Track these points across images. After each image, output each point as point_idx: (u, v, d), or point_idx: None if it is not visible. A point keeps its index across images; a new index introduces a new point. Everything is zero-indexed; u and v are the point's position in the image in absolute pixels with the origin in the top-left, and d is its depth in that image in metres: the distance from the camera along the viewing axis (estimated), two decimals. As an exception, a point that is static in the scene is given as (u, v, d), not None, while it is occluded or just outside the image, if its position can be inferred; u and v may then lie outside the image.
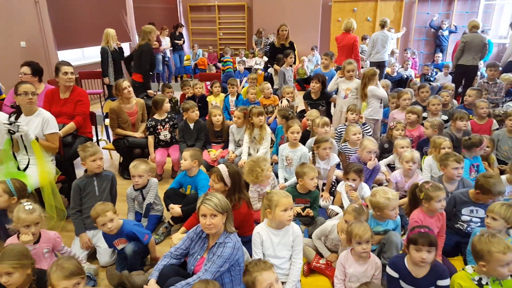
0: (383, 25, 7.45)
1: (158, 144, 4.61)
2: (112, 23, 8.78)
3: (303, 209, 3.33)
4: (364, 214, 2.63)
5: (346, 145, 4.21)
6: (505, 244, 2.03)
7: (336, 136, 4.74)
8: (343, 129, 4.51)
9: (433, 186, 2.71)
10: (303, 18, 11.17)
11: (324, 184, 3.94)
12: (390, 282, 2.36)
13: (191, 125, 4.54)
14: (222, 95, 6.34)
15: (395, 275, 2.31)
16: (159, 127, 4.55)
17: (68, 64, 3.97)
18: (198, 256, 2.38)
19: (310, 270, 2.85)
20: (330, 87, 5.42)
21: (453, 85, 6.55)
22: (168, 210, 3.35)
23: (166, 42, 10.53)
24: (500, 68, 6.53)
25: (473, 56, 6.63)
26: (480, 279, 2.13)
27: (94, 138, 4.46)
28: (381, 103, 5.07)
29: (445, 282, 2.22)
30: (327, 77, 5.69)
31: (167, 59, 10.59)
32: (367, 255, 2.43)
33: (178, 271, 2.38)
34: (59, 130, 3.60)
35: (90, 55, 9.07)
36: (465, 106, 5.24)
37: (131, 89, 4.55)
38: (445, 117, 4.94)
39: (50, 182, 3.27)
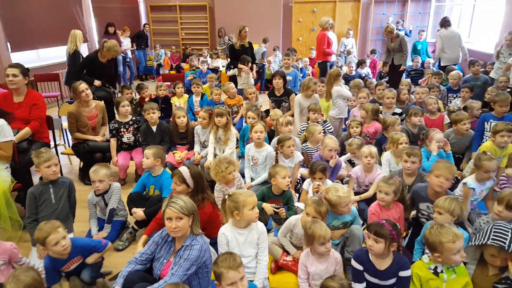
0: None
1: (121, 147, 4.51)
2: (69, 23, 8.48)
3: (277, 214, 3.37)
4: (323, 206, 2.66)
5: (307, 145, 4.30)
6: (453, 233, 2.15)
7: (299, 135, 4.83)
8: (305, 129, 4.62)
9: (384, 179, 2.91)
10: (264, 18, 11.27)
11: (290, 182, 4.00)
12: (354, 275, 2.40)
13: (154, 128, 4.47)
14: (186, 96, 6.28)
15: (360, 267, 2.36)
16: (122, 129, 4.45)
17: (11, 65, 3.78)
18: (165, 260, 2.35)
19: (277, 267, 2.89)
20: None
21: (409, 80, 6.89)
22: (131, 214, 3.29)
23: (127, 42, 10.29)
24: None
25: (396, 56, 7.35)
26: (436, 267, 2.25)
27: (52, 143, 4.30)
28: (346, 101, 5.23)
29: (407, 273, 2.30)
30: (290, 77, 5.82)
31: (128, 59, 10.35)
32: (329, 253, 2.48)
33: (144, 277, 2.34)
34: (14, 135, 3.44)
35: (46, 56, 8.69)
36: (416, 103, 5.49)
37: (89, 91, 4.42)
38: (399, 110, 5.17)
39: (4, 193, 3.13)
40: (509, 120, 4.24)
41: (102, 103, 4.72)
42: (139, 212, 3.17)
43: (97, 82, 5.45)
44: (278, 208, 3.32)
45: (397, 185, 2.88)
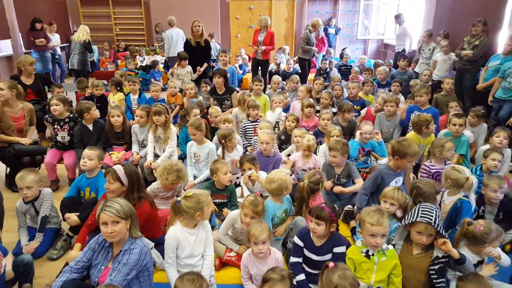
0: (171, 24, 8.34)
1: (54, 145, 4.28)
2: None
3: (221, 206, 3.41)
4: (260, 205, 2.72)
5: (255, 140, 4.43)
6: (378, 218, 2.29)
7: (240, 131, 4.89)
8: (247, 125, 4.77)
9: (318, 173, 3.12)
10: (202, 15, 11.06)
11: (237, 178, 4.06)
12: (294, 250, 2.57)
13: (90, 126, 4.25)
14: (121, 94, 6.06)
15: (301, 243, 2.53)
16: (56, 126, 4.19)
17: None
18: (102, 267, 2.25)
19: (222, 263, 2.92)
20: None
21: (339, 76, 7.54)
22: (65, 220, 3.11)
23: (55, 38, 9.63)
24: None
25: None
26: (367, 250, 2.40)
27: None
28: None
29: (341, 249, 2.47)
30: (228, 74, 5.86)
31: (57, 56, 9.70)
32: (264, 256, 2.50)
33: (80, 286, 2.25)
34: None
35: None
36: (349, 98, 5.81)
37: (3, 92, 4.09)
38: (335, 110, 5.42)
39: None
40: (432, 112, 4.65)
41: (30, 105, 4.42)
42: (73, 217, 3.01)
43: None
44: (223, 203, 3.36)
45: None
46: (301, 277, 2.50)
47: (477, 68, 5.84)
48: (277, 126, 5.18)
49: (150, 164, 4.02)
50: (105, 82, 6.82)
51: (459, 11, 7.13)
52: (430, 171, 3.65)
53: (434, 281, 2.33)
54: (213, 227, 3.36)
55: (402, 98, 5.62)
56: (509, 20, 5.74)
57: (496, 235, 2.36)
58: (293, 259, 2.56)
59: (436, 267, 2.35)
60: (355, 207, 3.44)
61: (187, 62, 6.71)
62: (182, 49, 7.75)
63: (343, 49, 10.65)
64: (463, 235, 2.48)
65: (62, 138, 4.25)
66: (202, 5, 11.23)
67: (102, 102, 5.69)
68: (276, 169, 3.24)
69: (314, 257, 2.51)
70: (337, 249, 2.48)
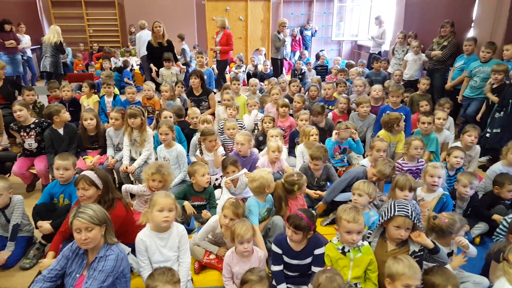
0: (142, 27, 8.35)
1: (23, 153, 4.14)
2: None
3: (200, 208, 3.39)
4: (240, 208, 2.74)
5: (225, 138, 4.45)
6: (354, 215, 2.35)
7: (219, 131, 4.89)
8: (223, 125, 4.72)
9: (298, 174, 3.12)
10: (177, 16, 11.08)
11: (216, 179, 4.06)
12: (274, 258, 2.57)
13: (60, 131, 4.14)
14: (96, 96, 5.94)
15: (279, 251, 2.53)
16: (22, 133, 4.06)
17: None
18: (77, 275, 2.20)
19: (201, 266, 2.90)
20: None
21: (319, 77, 7.58)
22: (38, 228, 3.02)
23: (25, 40, 9.33)
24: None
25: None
26: (343, 247, 2.45)
27: None
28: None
29: (321, 250, 2.51)
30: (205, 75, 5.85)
31: (26, 58, 9.39)
32: (249, 254, 2.53)
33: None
34: None
35: None
36: (325, 98, 5.90)
37: None
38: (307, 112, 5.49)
39: None
40: (403, 111, 4.79)
41: None
42: (45, 225, 2.92)
43: None
44: (202, 205, 3.35)
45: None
46: (283, 286, 2.52)
47: (446, 68, 6.04)
48: (256, 127, 5.21)
49: (126, 168, 3.95)
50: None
51: (427, 12, 7.36)
52: (403, 168, 3.76)
53: None
54: (192, 230, 3.36)
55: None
56: (474, 22, 5.97)
57: (461, 224, 2.48)
58: (274, 268, 2.56)
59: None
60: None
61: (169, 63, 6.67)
62: None
63: (321, 51, 10.80)
64: (430, 229, 2.58)
65: (29, 145, 4.12)
66: (177, 6, 11.15)
67: (75, 106, 5.56)
68: (258, 169, 3.24)
69: (295, 262, 2.53)
70: (317, 251, 2.51)
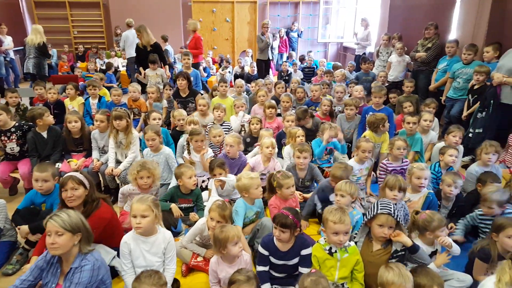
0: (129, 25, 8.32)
1: (5, 157, 4.05)
2: None
3: (187, 210, 3.37)
4: (227, 209, 2.73)
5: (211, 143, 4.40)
6: (340, 216, 2.37)
7: (206, 133, 4.87)
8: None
9: (283, 174, 3.10)
10: (163, 17, 11.03)
11: (203, 181, 4.04)
12: (260, 259, 2.58)
13: (44, 134, 4.08)
14: (81, 99, 5.86)
15: (266, 253, 2.54)
16: (3, 138, 3.97)
17: None
18: (53, 285, 2.13)
19: (188, 269, 2.88)
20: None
21: (298, 78, 7.75)
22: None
23: (7, 41, 9.16)
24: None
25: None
26: (330, 248, 2.46)
27: None
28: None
29: (308, 251, 2.52)
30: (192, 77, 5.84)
31: (8, 59, 9.21)
32: (241, 252, 2.51)
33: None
34: None
35: None
36: (312, 100, 5.94)
37: None
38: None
39: None
40: (386, 112, 4.86)
41: None
42: (24, 228, 2.85)
43: None
44: (189, 208, 3.33)
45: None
46: (267, 286, 2.53)
47: (430, 69, 6.15)
48: (243, 129, 5.21)
49: (112, 170, 3.91)
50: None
51: (411, 15, 7.48)
52: (387, 168, 3.81)
53: None
54: (179, 233, 3.33)
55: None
56: (456, 24, 6.10)
57: (438, 224, 2.52)
58: (259, 268, 2.58)
59: (394, 260, 2.44)
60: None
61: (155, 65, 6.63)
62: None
63: (309, 52, 10.86)
64: (412, 224, 2.66)
65: (11, 150, 4.04)
66: (163, 8, 11.09)
67: (59, 108, 5.49)
68: (246, 172, 3.24)
69: (282, 262, 2.54)
70: (304, 251, 2.52)
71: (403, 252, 2.45)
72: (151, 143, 3.86)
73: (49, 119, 4.10)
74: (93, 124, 5.17)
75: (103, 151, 4.22)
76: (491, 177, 3.30)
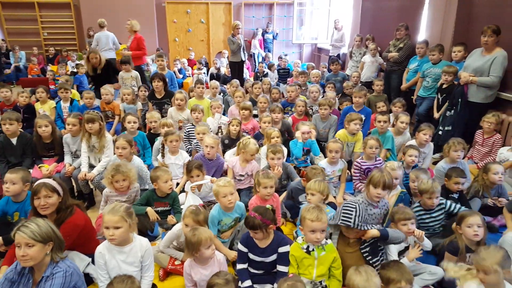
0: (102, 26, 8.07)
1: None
2: None
3: (164, 214, 3.33)
4: (201, 214, 2.71)
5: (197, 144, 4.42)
6: (317, 215, 2.39)
7: (184, 136, 4.84)
8: (190, 129, 4.73)
9: (264, 173, 3.11)
10: (137, 18, 10.64)
11: (177, 184, 4.00)
12: (239, 257, 2.61)
13: (13, 140, 3.94)
14: (52, 102, 5.70)
15: (245, 249, 2.57)
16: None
17: None
18: None
19: (166, 273, 2.86)
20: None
21: (268, 79, 7.70)
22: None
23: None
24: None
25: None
26: (308, 246, 2.49)
27: None
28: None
29: (285, 248, 2.55)
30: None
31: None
32: (214, 254, 2.51)
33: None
34: None
35: None
36: (288, 101, 5.99)
37: None
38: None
39: None
40: (365, 112, 4.96)
41: None
42: None
43: None
44: (166, 211, 3.29)
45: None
46: (247, 283, 2.53)
47: (402, 69, 6.31)
48: (220, 130, 5.20)
49: (85, 175, 3.82)
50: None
51: (382, 16, 7.67)
52: (361, 167, 3.89)
53: (370, 261, 2.48)
54: (156, 237, 3.30)
55: (331, 94, 5.97)
56: (425, 25, 6.29)
57: (403, 216, 2.65)
58: (238, 266, 2.60)
59: (367, 248, 2.50)
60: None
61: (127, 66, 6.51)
62: (112, 53, 7.65)
63: (285, 55, 10.96)
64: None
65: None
66: (137, 8, 10.91)
67: (29, 113, 5.33)
68: (223, 177, 3.15)
69: (260, 259, 2.56)
70: (281, 249, 2.54)
71: (372, 242, 2.52)
72: (121, 151, 3.69)
73: (12, 128, 3.89)
74: (65, 128, 5.05)
75: (75, 155, 4.11)
76: (456, 172, 3.41)
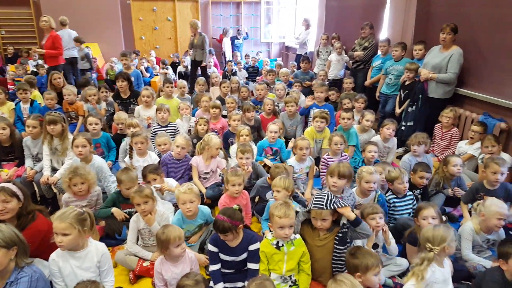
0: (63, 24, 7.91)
1: None
2: None
3: (131, 215, 3.19)
4: (147, 189, 2.74)
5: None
6: (285, 211, 2.43)
7: (151, 135, 4.76)
8: (157, 129, 4.72)
9: (233, 171, 3.14)
10: (101, 16, 10.55)
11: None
12: (211, 257, 2.62)
13: (-32, 144, 3.75)
14: (11, 103, 5.45)
15: (215, 249, 2.59)
16: None
17: None
18: None
19: (136, 276, 2.81)
20: None
21: (236, 77, 7.72)
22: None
23: None
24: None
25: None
26: (278, 242, 2.53)
27: None
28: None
29: (255, 246, 2.58)
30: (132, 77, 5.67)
31: None
32: (184, 253, 2.49)
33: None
34: None
35: None
36: (257, 99, 6.02)
37: None
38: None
39: None
40: (328, 108, 5.06)
41: None
42: None
43: None
44: (132, 212, 3.20)
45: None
46: (220, 285, 2.55)
47: (368, 67, 6.47)
48: (188, 132, 5.16)
49: (48, 179, 3.69)
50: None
51: (346, 15, 7.84)
52: (328, 163, 3.97)
53: (335, 247, 2.54)
54: (124, 240, 3.21)
55: (302, 96, 6.01)
56: (387, 23, 6.48)
57: (371, 210, 2.73)
58: (211, 267, 2.60)
59: (340, 234, 2.56)
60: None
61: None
62: (75, 52, 7.50)
63: (260, 52, 10.96)
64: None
65: None
66: (100, 6, 10.58)
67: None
68: (187, 183, 3.08)
69: (231, 258, 2.58)
70: (252, 247, 2.57)
71: (346, 229, 2.55)
72: (81, 149, 3.53)
73: None
74: (25, 131, 4.84)
75: (37, 158, 3.97)
76: (422, 166, 3.55)
